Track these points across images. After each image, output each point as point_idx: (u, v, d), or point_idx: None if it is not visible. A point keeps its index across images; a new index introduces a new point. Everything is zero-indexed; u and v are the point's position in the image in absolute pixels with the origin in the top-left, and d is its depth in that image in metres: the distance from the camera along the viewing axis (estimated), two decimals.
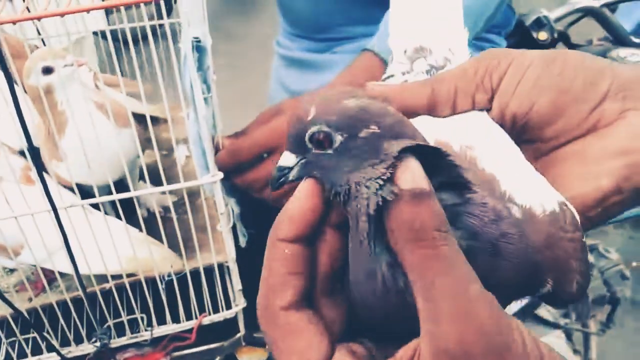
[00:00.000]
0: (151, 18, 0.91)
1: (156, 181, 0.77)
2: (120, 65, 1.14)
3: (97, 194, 0.67)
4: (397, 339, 0.29)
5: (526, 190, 0.32)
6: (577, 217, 0.33)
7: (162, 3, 0.60)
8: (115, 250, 0.71)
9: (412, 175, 0.26)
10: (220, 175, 0.65)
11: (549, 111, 0.36)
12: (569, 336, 1.43)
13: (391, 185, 0.26)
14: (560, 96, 0.36)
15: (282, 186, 0.31)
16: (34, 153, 0.67)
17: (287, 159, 0.30)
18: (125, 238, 0.72)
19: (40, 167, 0.56)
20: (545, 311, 1.33)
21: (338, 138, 0.27)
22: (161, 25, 0.83)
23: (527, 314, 1.25)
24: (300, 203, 0.29)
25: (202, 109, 0.59)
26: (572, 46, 1.26)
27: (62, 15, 0.57)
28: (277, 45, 1.23)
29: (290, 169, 0.30)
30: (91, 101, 0.76)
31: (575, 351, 1.46)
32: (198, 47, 0.66)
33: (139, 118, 0.90)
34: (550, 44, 1.15)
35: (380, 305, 0.28)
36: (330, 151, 0.28)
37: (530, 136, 0.38)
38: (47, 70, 0.73)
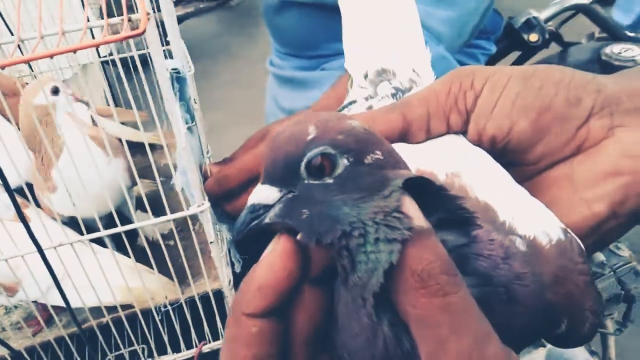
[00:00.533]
0: (141, 48, 0.93)
1: (155, 209, 0.78)
2: (122, 92, 1.16)
3: (84, 230, 0.68)
4: None
5: (526, 218, 0.29)
6: (582, 245, 0.30)
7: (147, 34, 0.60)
8: (109, 282, 0.71)
9: (413, 210, 0.22)
10: (206, 205, 0.65)
11: (531, 132, 0.33)
12: None
13: (404, 224, 0.22)
14: (541, 115, 0.33)
15: (250, 232, 0.24)
16: (22, 191, 0.68)
17: (266, 194, 0.24)
18: (119, 270, 0.73)
19: (19, 209, 0.56)
20: None
21: (343, 163, 0.23)
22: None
23: None
24: (273, 271, 0.23)
25: (182, 140, 0.59)
26: (565, 45, 1.24)
27: (51, 56, 0.58)
28: (270, 65, 1.24)
29: (269, 207, 0.24)
30: (85, 131, 0.79)
31: (593, 352, 1.43)
32: (178, 79, 0.66)
33: (135, 146, 0.91)
34: (542, 45, 1.14)
35: None
36: (329, 180, 0.23)
37: (511, 159, 0.35)
38: (55, 92, 0.77)
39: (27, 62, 0.51)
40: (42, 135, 0.67)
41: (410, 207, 0.22)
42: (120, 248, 0.78)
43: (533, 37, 1.11)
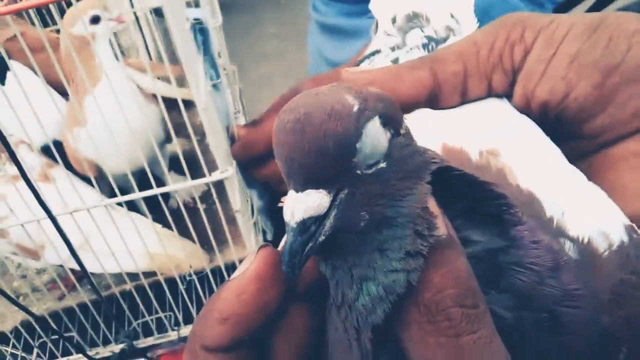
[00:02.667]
0: None
1: (189, 169, 0.73)
2: (156, 45, 1.11)
3: (117, 190, 0.64)
4: None
5: (580, 214, 0.22)
6: None
7: None
8: (139, 249, 0.68)
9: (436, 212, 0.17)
10: (231, 171, 0.59)
11: (592, 98, 0.27)
12: None
13: (432, 231, 0.17)
14: (608, 77, 0.26)
15: (306, 262, 0.17)
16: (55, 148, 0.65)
17: (314, 202, 0.17)
18: (150, 235, 0.69)
19: (25, 174, 0.52)
20: None
21: (387, 137, 0.17)
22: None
23: None
24: (241, 300, 0.18)
25: (202, 99, 0.53)
26: None
27: (43, 5, 0.53)
28: (313, 10, 1.14)
29: (322, 218, 0.17)
30: (124, 65, 0.75)
31: None
32: (201, 30, 0.60)
33: (169, 104, 0.86)
34: None
35: None
36: (383, 164, 0.17)
37: (567, 131, 0.28)
38: (94, 20, 0.72)
39: (14, 12, 0.46)
40: (77, 62, 0.61)
41: (432, 203, 0.17)
42: (149, 212, 0.75)
43: None
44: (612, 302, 0.21)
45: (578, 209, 0.23)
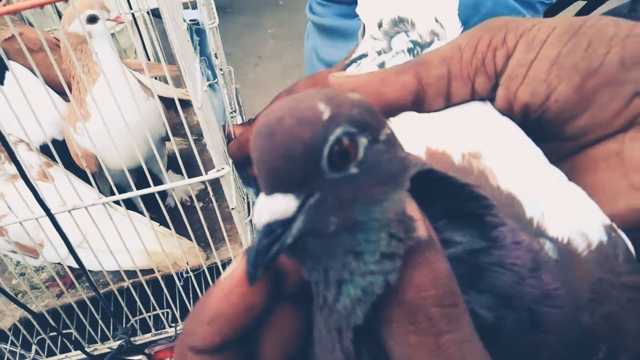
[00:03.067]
0: None
1: (186, 168, 0.74)
2: (152, 46, 1.12)
3: (115, 190, 0.65)
4: None
5: (560, 214, 0.23)
6: (632, 248, 0.24)
7: None
8: (135, 246, 0.68)
9: (415, 214, 0.17)
10: (227, 169, 0.60)
11: (573, 100, 0.27)
12: None
13: (410, 232, 0.17)
14: (587, 80, 0.27)
15: (271, 264, 0.18)
16: (55, 147, 0.65)
17: (281, 206, 0.17)
18: (148, 233, 0.70)
19: (24, 172, 0.52)
20: None
21: (362, 143, 0.17)
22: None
23: None
24: (229, 301, 0.18)
25: (198, 99, 0.54)
26: None
27: (41, 6, 0.53)
28: (310, 12, 1.15)
29: (289, 222, 0.17)
30: (121, 62, 0.76)
31: None
32: (197, 31, 0.61)
33: (166, 103, 0.87)
34: None
35: None
36: (354, 170, 0.17)
37: (548, 133, 0.28)
38: (92, 20, 0.73)
39: (14, 12, 0.46)
40: (74, 61, 0.62)
41: (412, 207, 0.17)
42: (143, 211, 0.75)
43: None
44: (591, 301, 0.21)
45: (558, 209, 0.23)
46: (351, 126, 0.17)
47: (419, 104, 0.29)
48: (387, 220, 0.17)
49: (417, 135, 0.20)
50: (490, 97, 0.29)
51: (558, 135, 0.28)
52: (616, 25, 0.27)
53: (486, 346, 0.17)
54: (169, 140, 0.91)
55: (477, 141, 0.26)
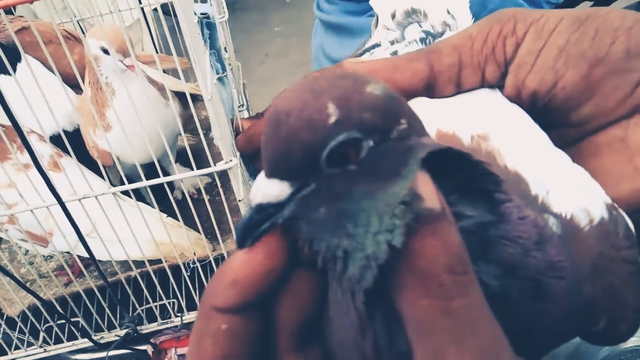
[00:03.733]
0: None
1: (195, 162, 0.75)
2: (162, 38, 1.13)
3: (125, 180, 0.66)
4: None
5: (563, 192, 0.24)
6: (632, 225, 0.25)
7: None
8: (144, 237, 0.70)
9: (425, 189, 0.18)
10: (235, 162, 0.61)
11: (580, 88, 0.28)
12: None
13: (413, 209, 0.18)
14: (594, 68, 0.28)
15: (259, 239, 0.19)
16: (59, 138, 0.67)
17: (275, 191, 0.19)
18: (156, 223, 0.71)
19: (36, 159, 0.54)
20: None
21: (367, 145, 0.18)
22: None
23: None
24: (251, 265, 0.19)
25: (208, 92, 0.55)
26: None
27: (31, 2, 0.54)
28: (317, 9, 1.16)
29: (280, 206, 0.19)
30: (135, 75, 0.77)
31: None
32: (208, 24, 0.62)
33: (177, 96, 0.88)
34: None
35: None
36: (353, 167, 0.18)
37: (554, 119, 0.30)
38: (105, 51, 0.73)
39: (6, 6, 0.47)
40: (92, 76, 0.63)
41: (423, 183, 0.18)
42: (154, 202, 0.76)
43: None
44: (592, 274, 0.23)
45: (562, 187, 0.24)
46: (358, 132, 0.18)
47: (430, 90, 0.31)
48: (378, 209, 0.18)
49: (428, 118, 0.21)
50: (499, 85, 0.30)
51: (564, 122, 0.29)
52: (622, 16, 0.28)
53: (493, 312, 0.18)
54: (179, 135, 0.92)
55: (486, 124, 0.27)
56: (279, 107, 0.18)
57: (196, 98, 1.07)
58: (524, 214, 0.21)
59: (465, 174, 0.20)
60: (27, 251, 0.84)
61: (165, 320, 0.75)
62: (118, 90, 0.73)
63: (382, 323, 0.19)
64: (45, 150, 0.76)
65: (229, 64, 0.69)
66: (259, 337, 0.21)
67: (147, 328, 0.75)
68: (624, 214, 0.25)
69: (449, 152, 0.19)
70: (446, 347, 0.17)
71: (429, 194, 0.18)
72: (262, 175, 0.19)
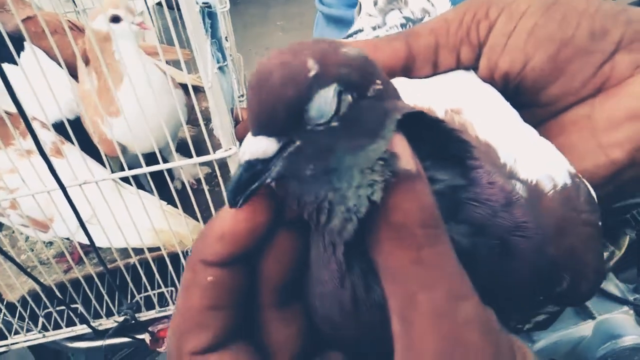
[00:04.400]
0: None
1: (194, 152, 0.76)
2: (164, 30, 1.13)
3: (126, 167, 0.67)
4: (376, 357, 0.23)
5: (530, 161, 0.26)
6: (593, 192, 0.27)
7: None
8: (142, 224, 0.70)
9: (402, 151, 0.19)
10: (235, 150, 0.61)
11: (548, 68, 0.30)
12: (638, 312, 1.31)
13: (390, 166, 0.19)
14: (561, 49, 0.29)
15: (250, 197, 0.20)
16: (63, 126, 0.67)
17: (262, 147, 0.19)
18: (156, 211, 0.71)
19: (43, 151, 0.54)
20: (612, 286, 1.22)
21: (347, 100, 0.19)
22: None
23: None
24: (237, 220, 0.20)
25: (209, 80, 0.55)
26: None
27: None
28: (319, 2, 1.17)
29: (268, 162, 0.19)
30: (146, 57, 0.77)
31: None
32: (209, 14, 0.62)
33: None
34: None
35: (348, 324, 0.22)
36: (335, 123, 0.19)
37: (526, 100, 0.31)
38: (115, 20, 0.74)
39: None
40: (100, 59, 0.63)
41: (400, 145, 0.19)
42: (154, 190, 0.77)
43: None
44: (556, 235, 0.24)
45: (528, 157, 0.26)
46: (337, 85, 0.19)
47: (408, 70, 0.32)
48: (360, 166, 0.19)
49: (405, 95, 0.22)
50: (474, 67, 0.32)
51: (535, 102, 0.31)
52: (587, 1, 0.30)
53: (464, 269, 0.19)
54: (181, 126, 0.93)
55: (459, 100, 0.29)
56: (262, 67, 0.19)
57: (197, 89, 1.08)
58: (493, 179, 0.23)
59: (439, 140, 0.21)
60: (27, 238, 0.84)
61: (164, 308, 0.76)
62: (130, 68, 0.73)
63: (359, 276, 0.21)
64: (47, 137, 0.76)
65: (230, 55, 0.70)
66: (244, 290, 0.22)
67: (145, 315, 0.76)
68: (586, 182, 0.27)
69: (423, 118, 0.20)
70: (417, 291, 0.18)
71: (406, 155, 0.19)
72: (248, 137, 0.20)
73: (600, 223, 0.26)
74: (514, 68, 0.30)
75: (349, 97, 0.19)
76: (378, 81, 0.20)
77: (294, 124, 0.19)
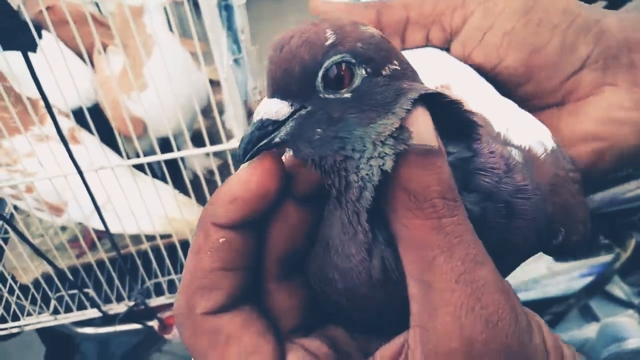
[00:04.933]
0: None
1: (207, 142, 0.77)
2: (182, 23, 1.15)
3: (141, 154, 0.68)
4: (382, 329, 0.24)
5: (520, 129, 0.27)
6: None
7: None
8: (156, 211, 0.72)
9: (424, 128, 0.20)
10: None
11: (519, 71, 0.31)
12: None
13: (403, 141, 0.20)
14: (532, 56, 0.31)
15: (259, 153, 0.21)
16: (82, 113, 0.69)
17: (275, 108, 0.20)
18: (169, 199, 0.73)
19: (59, 128, 0.56)
20: (618, 289, 1.22)
21: (360, 74, 0.20)
22: None
23: (596, 291, 1.16)
24: (249, 185, 0.21)
25: (224, 71, 0.56)
26: None
27: None
28: None
29: (280, 124, 0.21)
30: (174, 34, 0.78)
31: None
32: (226, 6, 0.63)
33: None
34: None
35: (372, 295, 0.22)
36: (347, 94, 0.20)
37: (504, 91, 0.32)
38: None
39: None
40: (133, 31, 0.65)
41: (421, 122, 0.20)
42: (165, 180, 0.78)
43: None
44: (550, 192, 0.26)
45: (518, 125, 0.28)
46: (351, 56, 0.20)
47: None
48: (371, 138, 0.20)
49: None
50: (444, 48, 0.33)
51: (511, 95, 0.32)
52: (565, 10, 0.31)
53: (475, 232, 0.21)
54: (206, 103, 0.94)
55: (446, 76, 0.30)
56: (283, 35, 0.21)
57: (212, 82, 1.09)
58: (492, 148, 0.24)
59: (450, 117, 0.22)
60: (41, 221, 0.86)
61: (173, 295, 0.77)
62: (160, 40, 0.74)
63: (385, 246, 0.21)
64: (64, 124, 0.78)
65: (245, 47, 0.71)
66: (253, 255, 0.23)
67: (155, 301, 0.77)
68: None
69: (440, 98, 0.21)
70: (436, 256, 0.20)
71: (429, 132, 0.20)
72: (264, 99, 0.21)
73: (580, 178, 0.28)
74: (488, 63, 0.32)
75: (363, 71, 0.20)
76: (395, 62, 0.21)
77: (307, 89, 0.20)
